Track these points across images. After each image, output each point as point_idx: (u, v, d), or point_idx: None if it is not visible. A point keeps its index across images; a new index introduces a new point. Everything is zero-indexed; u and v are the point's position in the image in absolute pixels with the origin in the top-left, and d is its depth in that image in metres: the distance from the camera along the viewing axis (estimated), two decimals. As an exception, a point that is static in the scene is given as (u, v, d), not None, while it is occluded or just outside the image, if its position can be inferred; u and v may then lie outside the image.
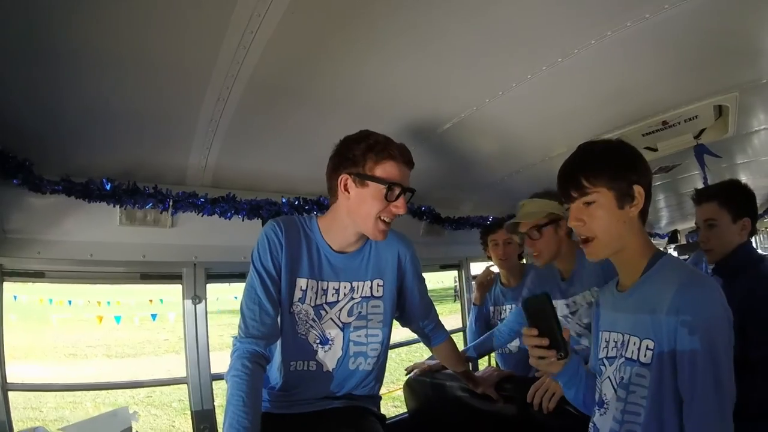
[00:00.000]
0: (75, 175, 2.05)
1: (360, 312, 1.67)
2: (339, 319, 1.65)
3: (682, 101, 2.34)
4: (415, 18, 1.53)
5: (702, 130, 2.73)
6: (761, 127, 2.94)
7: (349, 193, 1.54)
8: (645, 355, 1.21)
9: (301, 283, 1.61)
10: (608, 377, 1.33)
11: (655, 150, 2.98)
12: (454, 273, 4.14)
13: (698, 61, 1.96)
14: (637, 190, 1.28)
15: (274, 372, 1.66)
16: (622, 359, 1.28)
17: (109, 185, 2.10)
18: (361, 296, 1.67)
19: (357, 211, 1.54)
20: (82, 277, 2.47)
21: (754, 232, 2.09)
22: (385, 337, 1.71)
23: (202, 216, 2.30)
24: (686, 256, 8.96)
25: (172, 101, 1.81)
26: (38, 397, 8.31)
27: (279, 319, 1.59)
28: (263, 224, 2.38)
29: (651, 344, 1.20)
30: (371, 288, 1.69)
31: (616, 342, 1.33)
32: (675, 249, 11.01)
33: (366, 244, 1.69)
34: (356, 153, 1.51)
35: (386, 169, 1.51)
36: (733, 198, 2.07)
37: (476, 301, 2.95)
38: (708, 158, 2.87)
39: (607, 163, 1.30)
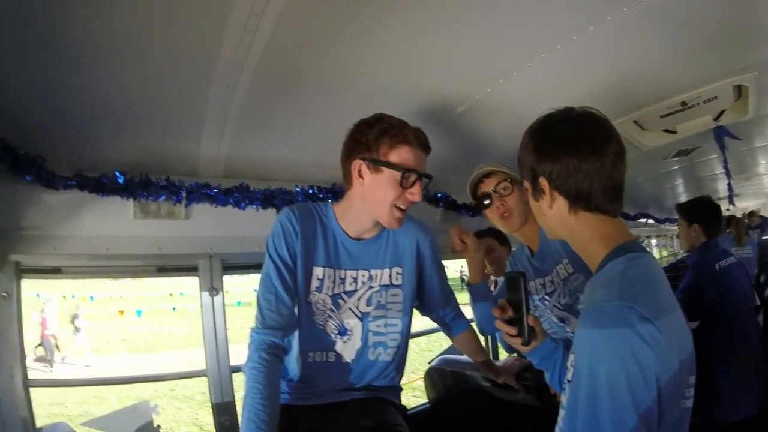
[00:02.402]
0: (88, 169, 2.05)
1: (379, 301, 1.63)
2: (357, 308, 1.62)
3: (701, 81, 2.25)
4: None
5: (722, 112, 2.67)
6: (782, 109, 2.84)
7: (363, 179, 1.49)
8: (569, 371, 1.01)
9: (318, 271, 1.58)
10: None
11: (674, 132, 2.94)
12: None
13: (718, 38, 1.87)
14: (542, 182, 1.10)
15: (293, 363, 1.63)
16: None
17: (122, 178, 2.10)
18: (379, 285, 1.63)
19: (371, 198, 1.49)
20: (99, 271, 2.49)
21: (712, 233, 2.94)
22: (405, 326, 1.68)
23: (216, 207, 2.29)
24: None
25: (181, 90, 1.78)
26: (63, 393, 8.48)
27: (296, 309, 1.57)
28: (278, 213, 2.38)
29: (573, 360, 0.98)
30: (390, 276, 1.65)
31: None
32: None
33: (384, 230, 1.65)
34: (370, 137, 1.46)
35: (401, 155, 1.45)
36: (687, 211, 3.01)
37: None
38: (728, 141, 2.82)
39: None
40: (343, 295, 1.61)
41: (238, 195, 2.28)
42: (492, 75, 1.95)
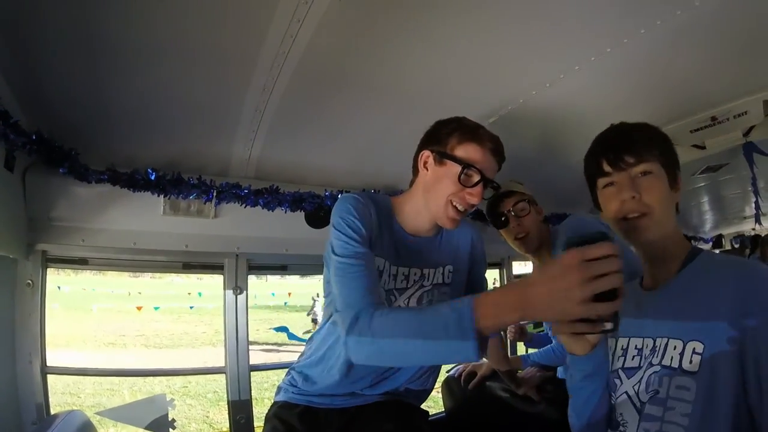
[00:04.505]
0: (120, 165, 2.10)
1: (430, 300, 1.58)
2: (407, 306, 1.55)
3: (732, 95, 2.22)
4: (463, 4, 1.48)
5: (751, 128, 2.63)
6: (811, 126, 2.80)
7: (427, 170, 1.45)
8: (690, 362, 0.98)
9: (379, 262, 1.47)
10: (626, 392, 1.12)
11: (703, 148, 2.89)
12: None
13: (750, 51, 1.85)
14: (678, 175, 1.16)
15: (332, 360, 1.54)
16: (655, 368, 1.06)
17: (154, 175, 2.15)
18: (431, 284, 1.58)
19: (431, 190, 1.44)
20: (125, 265, 2.53)
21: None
22: None
23: (245, 207, 2.33)
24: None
25: (218, 92, 1.82)
26: (77, 383, 8.61)
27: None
28: (306, 217, 2.39)
29: (699, 347, 0.98)
30: (442, 275, 1.59)
31: (639, 349, 1.12)
32: (720, 255, 10.49)
33: (440, 229, 1.58)
34: (443, 132, 1.43)
35: (467, 151, 1.38)
36: None
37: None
38: (757, 157, 2.78)
39: (660, 137, 1.16)
40: (395, 292, 1.53)
41: (267, 196, 2.33)
42: (526, 86, 1.96)
